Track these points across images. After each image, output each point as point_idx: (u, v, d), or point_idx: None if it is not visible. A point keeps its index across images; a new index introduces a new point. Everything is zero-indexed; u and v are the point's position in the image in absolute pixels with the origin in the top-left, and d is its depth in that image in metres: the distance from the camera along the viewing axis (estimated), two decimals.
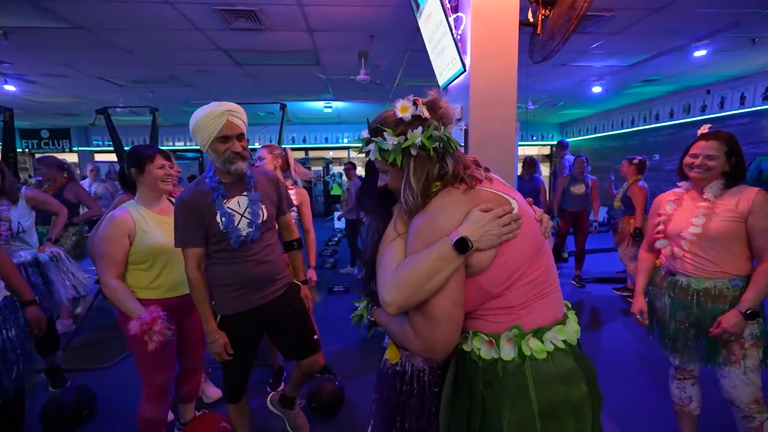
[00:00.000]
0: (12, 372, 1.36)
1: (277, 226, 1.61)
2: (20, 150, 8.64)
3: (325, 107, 7.63)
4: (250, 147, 1.47)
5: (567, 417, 0.77)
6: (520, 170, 4.77)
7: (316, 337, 1.66)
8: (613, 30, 3.62)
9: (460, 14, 1.82)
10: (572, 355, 0.81)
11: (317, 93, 6.42)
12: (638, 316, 1.67)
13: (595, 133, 9.31)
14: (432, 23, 2.00)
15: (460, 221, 0.78)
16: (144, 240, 1.52)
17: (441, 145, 0.81)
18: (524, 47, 2.13)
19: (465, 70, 1.84)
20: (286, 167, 2.26)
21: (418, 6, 2.13)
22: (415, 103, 0.82)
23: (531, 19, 2.19)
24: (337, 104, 7.50)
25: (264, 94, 6.19)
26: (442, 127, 0.82)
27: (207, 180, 1.40)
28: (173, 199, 1.73)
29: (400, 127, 0.82)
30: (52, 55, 4.07)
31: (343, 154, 11.11)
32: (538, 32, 2.17)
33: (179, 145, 9.64)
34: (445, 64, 2.04)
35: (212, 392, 2.22)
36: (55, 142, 8.95)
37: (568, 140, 6.87)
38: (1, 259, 1.46)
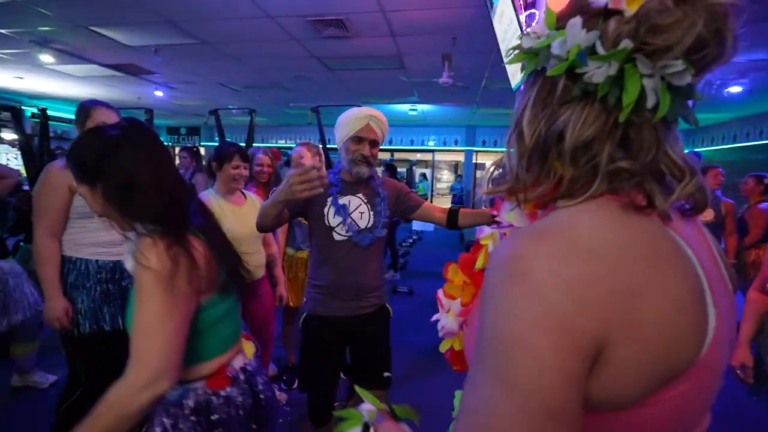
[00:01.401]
0: None
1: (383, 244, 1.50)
2: (168, 143, 10.73)
3: (410, 110, 7.74)
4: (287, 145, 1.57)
5: None
6: None
7: (387, 374, 1.45)
8: (760, 16, 2.92)
9: (533, 10, 1.69)
10: None
11: (403, 96, 6.55)
12: (738, 371, 1.36)
13: (734, 142, 7.63)
14: (504, 22, 1.89)
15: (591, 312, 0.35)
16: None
17: (609, 86, 0.38)
18: None
19: None
20: (327, 166, 2.37)
21: (492, 4, 2.03)
22: None
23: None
24: (423, 107, 7.54)
25: (352, 97, 6.55)
26: (668, 61, 0.36)
27: (330, 175, 1.40)
28: (246, 192, 1.95)
29: (570, 15, 0.40)
30: (186, 65, 4.93)
31: (429, 156, 11.12)
32: None
33: (281, 143, 10.75)
34: (516, 64, 1.91)
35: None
36: (189, 138, 10.79)
37: (699, 150, 5.73)
38: None
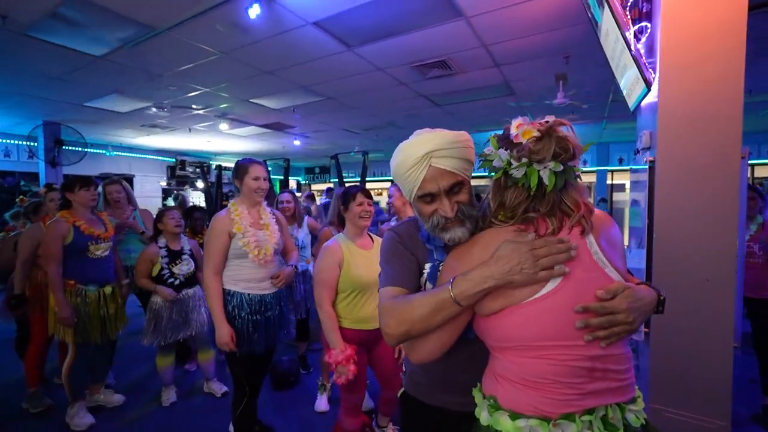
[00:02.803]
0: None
1: None
2: (304, 182, 12.59)
3: None
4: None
5: None
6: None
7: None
8: None
9: (644, 23, 1.49)
10: None
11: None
12: None
13: None
14: (611, 39, 1.71)
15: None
16: (349, 271, 1.67)
17: (524, 179, 0.76)
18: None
19: (648, 89, 1.48)
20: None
21: (596, 23, 1.87)
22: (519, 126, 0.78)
23: None
24: None
25: (462, 127, 6.59)
26: (547, 163, 0.74)
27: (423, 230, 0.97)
28: (374, 236, 1.93)
29: (502, 142, 0.80)
30: (317, 118, 5.83)
31: None
32: None
33: None
34: (630, 83, 1.69)
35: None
36: (322, 175, 12.47)
37: None
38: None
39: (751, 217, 2.29)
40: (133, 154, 8.50)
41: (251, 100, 4.82)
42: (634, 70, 1.53)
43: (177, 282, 2.51)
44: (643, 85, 1.51)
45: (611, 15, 1.52)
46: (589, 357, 0.72)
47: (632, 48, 1.47)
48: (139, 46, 3.17)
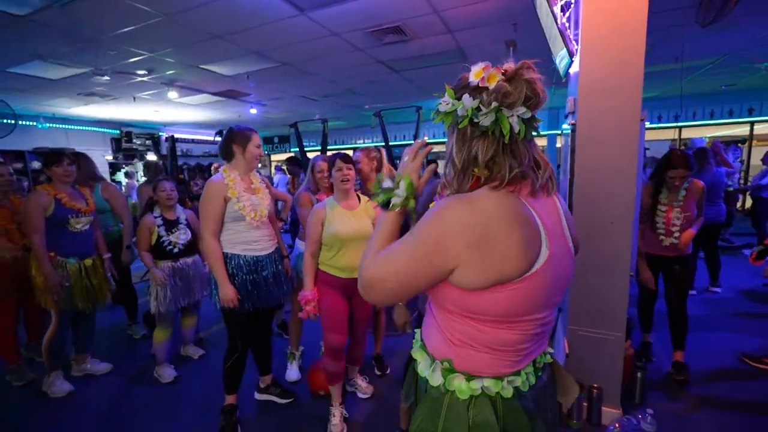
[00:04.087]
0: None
1: None
2: (265, 152, 12.20)
3: None
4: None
5: None
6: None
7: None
8: None
9: None
10: (503, 409, 0.77)
11: None
12: None
13: None
14: (543, 12, 1.89)
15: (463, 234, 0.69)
16: (329, 227, 1.91)
17: (494, 125, 0.70)
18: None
19: (572, 60, 1.69)
20: (380, 168, 2.47)
21: None
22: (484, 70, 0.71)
23: None
24: None
25: (422, 93, 6.69)
26: (518, 108, 0.70)
27: None
28: (362, 196, 2.09)
29: (461, 91, 0.74)
30: (273, 85, 5.66)
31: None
32: None
33: (359, 143, 11.40)
34: (560, 53, 1.89)
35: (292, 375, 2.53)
36: (281, 145, 12.12)
37: None
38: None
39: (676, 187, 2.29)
40: (69, 126, 7.81)
41: (201, 66, 4.59)
42: (560, 41, 1.72)
43: (176, 250, 2.54)
44: (567, 56, 1.72)
45: None
46: (544, 323, 0.78)
47: (558, 21, 1.65)
48: (69, 5, 2.92)
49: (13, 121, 5.52)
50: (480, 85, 0.71)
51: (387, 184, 0.86)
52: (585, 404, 1.89)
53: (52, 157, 2.31)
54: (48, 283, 2.20)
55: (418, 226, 0.74)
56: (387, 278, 0.75)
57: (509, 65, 0.72)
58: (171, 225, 2.56)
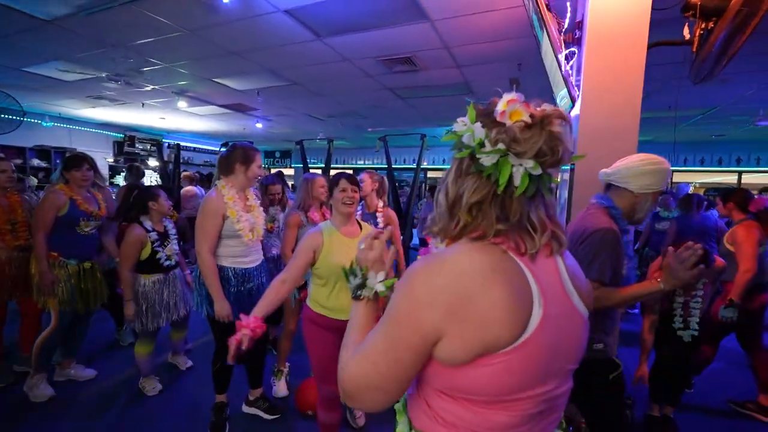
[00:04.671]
0: None
1: None
2: (265, 166, 12.30)
3: None
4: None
5: None
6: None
7: None
8: None
9: (573, 49, 1.80)
10: None
11: None
12: None
13: None
14: (548, 59, 2.02)
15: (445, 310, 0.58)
16: (326, 258, 1.58)
17: (493, 169, 0.60)
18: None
19: (573, 105, 1.80)
20: (382, 192, 2.54)
21: (539, 42, 2.17)
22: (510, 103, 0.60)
23: (687, 36, 1.91)
24: None
25: (424, 121, 6.89)
26: (526, 160, 0.59)
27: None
28: (362, 223, 1.81)
29: (482, 117, 0.62)
30: (281, 102, 5.81)
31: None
32: (694, 50, 1.87)
33: (359, 163, 11.56)
34: (561, 96, 2.01)
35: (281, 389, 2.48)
36: (282, 160, 12.25)
37: None
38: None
39: None
40: (73, 126, 7.87)
41: (214, 80, 4.72)
42: (563, 86, 1.84)
43: (172, 263, 2.43)
44: (568, 101, 1.83)
45: (548, 38, 1.81)
46: (550, 397, 0.63)
47: (562, 69, 1.77)
48: (95, 14, 3.04)
49: (20, 118, 5.57)
50: (498, 119, 0.60)
51: (355, 281, 0.78)
52: None
53: (73, 161, 2.36)
54: (41, 280, 2.20)
55: (392, 299, 0.64)
56: (368, 375, 0.62)
57: (544, 108, 0.61)
58: (163, 237, 2.41)
